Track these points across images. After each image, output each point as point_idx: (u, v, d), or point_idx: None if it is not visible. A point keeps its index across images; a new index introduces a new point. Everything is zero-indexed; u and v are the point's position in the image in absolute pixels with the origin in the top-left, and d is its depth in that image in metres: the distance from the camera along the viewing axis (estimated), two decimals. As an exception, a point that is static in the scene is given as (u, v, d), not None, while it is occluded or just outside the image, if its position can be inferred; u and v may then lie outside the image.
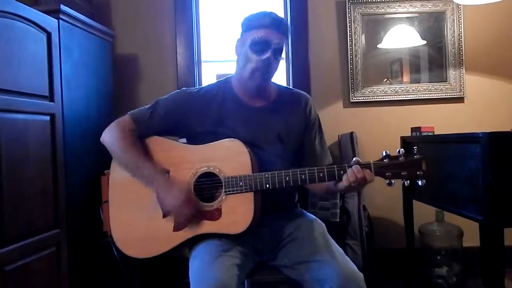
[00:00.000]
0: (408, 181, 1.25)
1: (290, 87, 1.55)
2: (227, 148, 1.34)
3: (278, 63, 1.40)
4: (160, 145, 1.41)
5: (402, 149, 1.26)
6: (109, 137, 1.40)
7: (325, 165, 1.42)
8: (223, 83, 1.47)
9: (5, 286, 1.54)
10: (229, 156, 1.33)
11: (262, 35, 1.33)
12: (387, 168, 1.24)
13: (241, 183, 1.30)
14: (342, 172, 1.25)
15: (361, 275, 1.25)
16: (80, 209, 2.01)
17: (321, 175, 1.27)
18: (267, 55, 1.33)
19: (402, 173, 1.24)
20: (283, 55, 2.61)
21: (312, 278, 1.26)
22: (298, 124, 1.46)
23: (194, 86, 2.56)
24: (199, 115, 1.41)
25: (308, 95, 1.52)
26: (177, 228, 1.31)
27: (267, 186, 1.29)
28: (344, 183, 1.24)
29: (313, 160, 1.46)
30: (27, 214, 1.66)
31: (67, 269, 1.87)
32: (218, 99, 1.43)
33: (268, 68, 1.35)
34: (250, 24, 1.38)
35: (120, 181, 1.40)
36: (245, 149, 1.32)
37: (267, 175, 1.29)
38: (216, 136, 1.37)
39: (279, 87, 1.51)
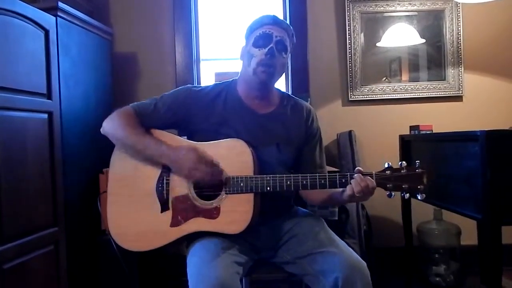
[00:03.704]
0: (408, 194, 1.25)
1: (294, 96, 1.56)
2: (230, 148, 1.34)
3: (283, 60, 1.40)
4: (164, 139, 1.39)
5: (404, 162, 1.26)
6: (112, 124, 1.39)
7: None
8: (228, 84, 1.48)
9: (3, 284, 1.54)
10: (231, 155, 1.33)
11: (264, 31, 1.37)
12: (388, 180, 1.25)
13: (242, 184, 1.30)
14: (343, 180, 1.26)
15: (364, 263, 1.26)
16: (79, 207, 2.01)
17: (322, 181, 1.28)
18: (269, 45, 1.35)
19: (403, 186, 1.24)
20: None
21: (317, 270, 1.26)
22: (298, 135, 1.46)
23: (193, 84, 2.57)
24: (202, 113, 1.41)
25: (310, 106, 1.53)
26: (202, 179, 1.28)
27: (268, 189, 1.29)
28: (348, 192, 1.24)
29: (312, 171, 1.45)
30: (25, 212, 1.66)
31: (66, 267, 1.87)
32: (221, 99, 1.43)
33: (271, 61, 1.35)
34: (252, 27, 1.41)
35: (119, 176, 1.40)
36: (248, 149, 1.32)
37: (268, 178, 1.29)
38: (218, 135, 1.37)
39: (283, 94, 1.52)
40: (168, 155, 1.32)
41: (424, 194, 1.24)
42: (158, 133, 1.41)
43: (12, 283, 1.58)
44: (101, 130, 1.42)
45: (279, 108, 1.46)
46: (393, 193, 1.25)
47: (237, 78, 1.48)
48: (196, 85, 1.49)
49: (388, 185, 1.25)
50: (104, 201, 1.45)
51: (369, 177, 1.23)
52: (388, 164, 1.27)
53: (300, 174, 1.30)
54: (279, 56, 1.37)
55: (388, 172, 1.25)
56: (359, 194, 1.22)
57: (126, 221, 1.37)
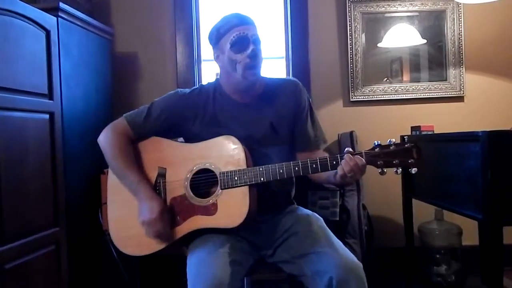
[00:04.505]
0: (401, 169, 1.25)
1: (277, 77, 1.58)
2: (222, 145, 1.36)
3: (262, 52, 1.42)
4: (157, 144, 1.44)
5: (393, 139, 1.27)
6: (103, 141, 1.43)
7: (320, 148, 1.48)
8: (213, 84, 1.50)
9: (5, 284, 1.54)
10: (224, 152, 1.35)
11: (237, 34, 1.35)
12: (378, 156, 1.25)
13: (236, 178, 1.31)
14: (334, 163, 1.27)
15: (360, 264, 1.25)
16: (80, 208, 2.01)
17: (313, 166, 1.29)
18: (251, 47, 1.35)
19: (394, 161, 1.25)
20: (283, 53, 2.67)
21: (312, 270, 1.26)
22: (289, 109, 1.47)
23: (194, 85, 2.58)
24: (193, 115, 1.44)
25: (297, 80, 1.53)
26: (147, 235, 1.33)
27: (262, 179, 1.31)
28: (339, 172, 1.25)
29: (305, 144, 1.47)
30: (26, 212, 1.66)
31: (67, 267, 1.87)
32: (210, 99, 1.46)
33: (256, 61, 1.37)
34: (220, 31, 1.39)
35: (117, 182, 1.42)
36: (239, 145, 1.35)
37: (261, 169, 1.31)
38: (212, 134, 1.39)
39: (265, 79, 1.51)
40: (141, 198, 1.34)
41: (416, 168, 1.24)
42: (155, 140, 1.44)
43: (13, 283, 1.58)
44: (97, 140, 1.45)
45: (265, 91, 1.47)
46: (385, 170, 1.25)
47: (219, 78, 1.50)
48: (190, 85, 1.51)
49: (379, 162, 1.25)
50: (105, 212, 1.47)
51: (358, 155, 1.24)
52: (376, 142, 1.28)
53: (291, 162, 1.31)
54: (260, 52, 1.39)
55: (377, 149, 1.26)
56: (349, 174, 1.23)
57: (126, 226, 1.39)
